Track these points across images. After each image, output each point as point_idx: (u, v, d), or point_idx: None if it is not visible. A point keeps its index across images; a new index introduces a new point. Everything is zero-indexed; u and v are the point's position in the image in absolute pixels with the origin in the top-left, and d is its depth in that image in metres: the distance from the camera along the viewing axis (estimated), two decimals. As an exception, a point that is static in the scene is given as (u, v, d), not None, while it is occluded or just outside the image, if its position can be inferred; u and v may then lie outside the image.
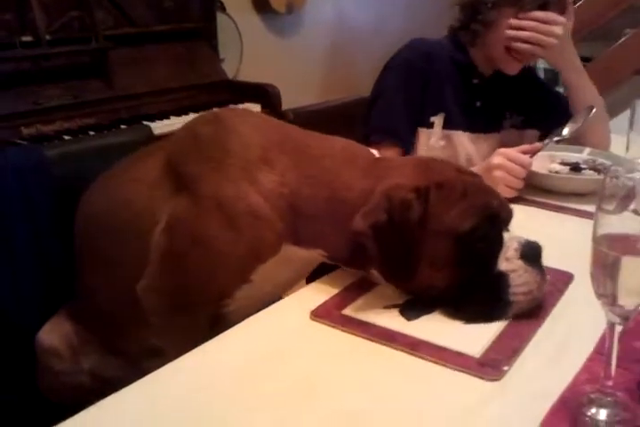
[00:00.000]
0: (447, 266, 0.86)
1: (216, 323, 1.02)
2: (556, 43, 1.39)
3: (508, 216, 0.92)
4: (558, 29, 1.39)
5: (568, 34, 1.44)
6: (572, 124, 1.38)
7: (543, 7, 1.40)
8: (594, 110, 1.38)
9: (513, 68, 1.50)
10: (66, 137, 1.85)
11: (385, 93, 1.50)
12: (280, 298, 0.97)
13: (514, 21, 1.39)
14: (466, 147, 1.53)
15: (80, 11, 2.03)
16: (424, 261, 0.86)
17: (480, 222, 0.86)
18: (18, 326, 1.22)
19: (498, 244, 0.87)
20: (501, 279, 0.85)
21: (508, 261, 0.86)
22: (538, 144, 1.35)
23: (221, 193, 0.94)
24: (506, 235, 0.89)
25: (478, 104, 1.55)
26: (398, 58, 1.53)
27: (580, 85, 1.51)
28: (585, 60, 2.72)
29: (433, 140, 1.50)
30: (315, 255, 0.97)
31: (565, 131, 1.36)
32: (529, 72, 1.59)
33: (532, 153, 1.30)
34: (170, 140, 1.08)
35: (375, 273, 0.92)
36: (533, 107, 1.59)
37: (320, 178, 0.94)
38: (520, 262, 0.86)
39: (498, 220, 0.89)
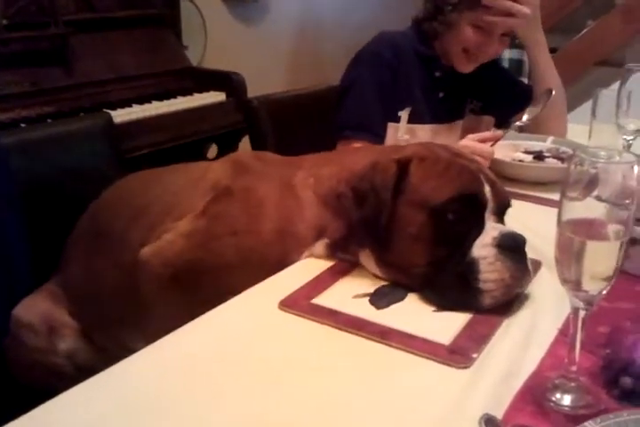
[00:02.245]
0: (423, 240, 0.88)
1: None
2: (529, 12, 1.40)
3: (500, 205, 0.92)
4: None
5: (537, 10, 1.46)
6: (532, 108, 1.39)
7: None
8: (553, 93, 1.40)
9: (467, 68, 1.54)
10: (24, 125, 1.80)
11: (356, 87, 1.51)
12: None
13: None
14: (427, 139, 1.54)
15: (38, -6, 1.97)
16: (402, 231, 0.89)
17: (454, 199, 0.87)
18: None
19: (476, 228, 0.88)
20: (472, 266, 0.85)
21: (483, 248, 0.86)
22: (499, 132, 1.37)
23: (269, 200, 0.99)
24: (489, 223, 0.89)
25: (441, 95, 1.57)
26: (368, 51, 1.54)
27: (546, 63, 1.54)
28: (549, 51, 2.76)
29: (399, 135, 1.51)
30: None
31: (525, 116, 1.38)
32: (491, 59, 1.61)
33: (494, 141, 1.31)
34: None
35: (366, 254, 0.93)
36: (493, 93, 1.62)
37: (334, 175, 0.99)
38: (494, 250, 0.85)
39: (478, 203, 0.89)
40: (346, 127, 1.47)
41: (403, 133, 1.52)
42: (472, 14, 1.43)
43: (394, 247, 0.90)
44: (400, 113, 1.51)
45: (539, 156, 1.39)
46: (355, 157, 1.04)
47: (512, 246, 0.86)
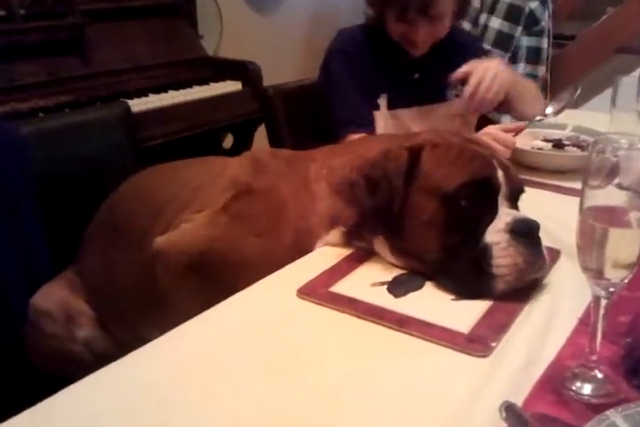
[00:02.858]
0: (436, 227, 0.88)
1: None
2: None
3: (513, 191, 0.91)
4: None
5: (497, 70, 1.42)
6: (556, 102, 1.38)
7: (421, 11, 1.44)
8: (579, 90, 1.39)
9: (415, 52, 1.56)
10: (42, 115, 1.81)
11: (334, 87, 1.56)
12: None
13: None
14: (411, 122, 1.56)
15: (55, -16, 1.97)
16: (414, 218, 0.89)
17: (467, 184, 0.87)
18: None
19: (489, 214, 0.87)
20: (485, 251, 0.85)
21: (495, 234, 0.86)
22: (521, 123, 1.36)
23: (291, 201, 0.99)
24: (503, 208, 0.88)
25: (416, 76, 1.59)
26: (332, 50, 1.60)
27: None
28: (568, 38, 2.72)
29: (382, 123, 1.54)
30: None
31: (549, 109, 1.37)
32: (450, 39, 1.60)
33: (516, 132, 1.30)
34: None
35: (380, 241, 0.93)
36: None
37: (346, 164, 0.98)
38: (507, 236, 0.85)
39: (491, 188, 0.89)
40: (342, 126, 1.50)
41: (387, 120, 1.54)
42: (391, 9, 1.48)
43: (407, 234, 0.90)
44: (378, 101, 1.55)
45: (558, 144, 1.37)
46: (366, 146, 1.05)
47: (525, 232, 0.85)
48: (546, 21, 2.36)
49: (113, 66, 2.17)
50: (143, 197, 1.17)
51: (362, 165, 0.94)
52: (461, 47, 1.64)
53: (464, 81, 1.42)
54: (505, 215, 0.87)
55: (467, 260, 0.86)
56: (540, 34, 2.32)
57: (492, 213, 0.87)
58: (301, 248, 0.98)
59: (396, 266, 0.93)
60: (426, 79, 1.59)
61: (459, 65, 1.50)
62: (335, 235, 0.98)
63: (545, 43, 2.34)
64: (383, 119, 1.55)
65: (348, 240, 0.98)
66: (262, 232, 0.98)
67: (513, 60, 2.30)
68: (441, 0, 1.44)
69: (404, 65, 1.58)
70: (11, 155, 1.27)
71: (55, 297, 1.18)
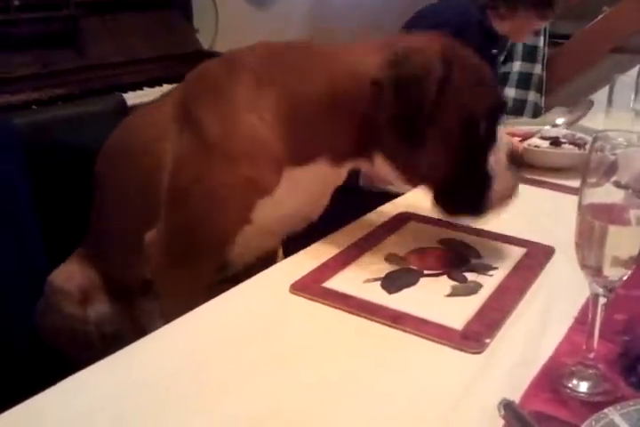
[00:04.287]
0: (452, 144, 0.88)
1: (218, 271, 1.03)
2: None
3: (504, 114, 0.98)
4: None
5: None
6: (569, 115, 1.39)
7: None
8: (593, 105, 1.41)
9: (518, 40, 1.67)
10: (35, 107, 1.79)
11: None
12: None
13: None
14: None
15: (49, -24, 1.96)
16: (432, 131, 0.86)
17: (492, 108, 0.90)
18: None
19: (493, 138, 0.92)
20: (488, 174, 0.90)
21: (496, 156, 0.91)
22: (530, 129, 1.36)
23: (218, 127, 0.92)
24: (500, 134, 0.93)
25: (494, 52, 1.66)
26: (434, 11, 1.60)
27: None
28: (564, 37, 2.72)
29: None
30: (318, 172, 0.95)
31: (560, 120, 1.38)
32: None
33: (524, 138, 1.30)
34: (183, 83, 1.06)
35: (379, 160, 0.92)
36: None
37: (319, 74, 0.92)
38: (504, 159, 0.91)
39: (499, 114, 0.93)
40: None
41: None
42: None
43: (420, 148, 0.88)
44: None
45: (555, 141, 1.37)
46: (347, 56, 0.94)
47: (517, 159, 0.92)
48: (542, 20, 2.36)
49: (107, 59, 2.15)
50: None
51: (379, 63, 0.87)
52: None
53: None
54: (500, 139, 0.92)
55: (471, 180, 0.90)
56: (536, 32, 2.32)
57: (494, 138, 0.91)
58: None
59: (391, 182, 0.97)
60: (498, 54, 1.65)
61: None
62: (322, 164, 0.94)
63: (541, 41, 2.34)
64: None
65: (337, 164, 0.95)
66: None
67: (509, 59, 2.30)
68: None
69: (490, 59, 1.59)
70: (4, 147, 1.25)
71: (71, 275, 1.17)
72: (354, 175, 1.55)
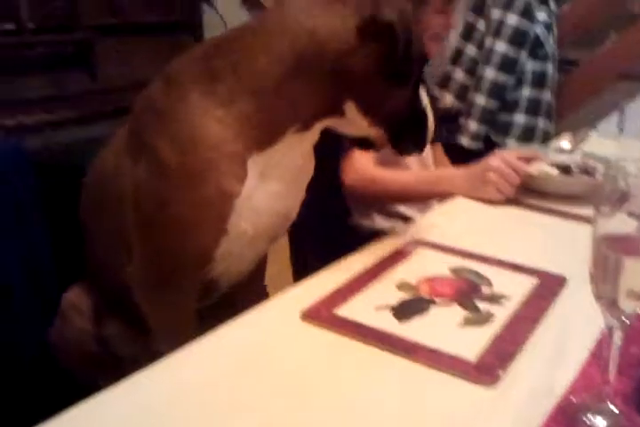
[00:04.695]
0: (412, 83, 0.96)
1: (206, 293, 1.02)
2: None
3: None
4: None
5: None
6: (574, 138, 1.39)
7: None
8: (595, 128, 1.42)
9: (433, 52, 1.53)
10: (48, 129, 1.81)
11: None
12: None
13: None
14: None
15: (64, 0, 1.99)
16: (407, 71, 0.93)
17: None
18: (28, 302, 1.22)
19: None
20: (425, 115, 1.01)
21: (425, 97, 1.02)
22: (537, 152, 1.36)
23: (171, 150, 0.89)
24: None
25: None
26: None
27: None
28: (572, 63, 2.73)
29: None
30: (288, 152, 0.93)
31: (566, 144, 1.38)
32: None
33: (528, 161, 1.30)
34: (131, 113, 1.04)
35: (350, 109, 0.92)
36: None
37: (268, 46, 0.89)
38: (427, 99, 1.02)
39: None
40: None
41: None
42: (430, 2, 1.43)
43: (396, 87, 0.93)
44: None
45: (566, 169, 1.37)
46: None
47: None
48: (551, 46, 2.37)
49: (119, 81, 2.17)
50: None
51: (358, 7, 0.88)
52: None
53: None
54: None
55: (417, 117, 1.01)
56: (545, 58, 2.32)
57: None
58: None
59: (363, 131, 0.98)
60: None
61: None
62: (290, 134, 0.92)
63: (550, 67, 2.34)
64: None
65: (308, 128, 0.93)
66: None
67: (518, 84, 2.30)
68: None
69: None
70: (16, 169, 1.26)
71: (85, 292, 1.16)
72: (346, 214, 1.55)
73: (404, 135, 1.00)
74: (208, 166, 0.88)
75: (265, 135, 0.90)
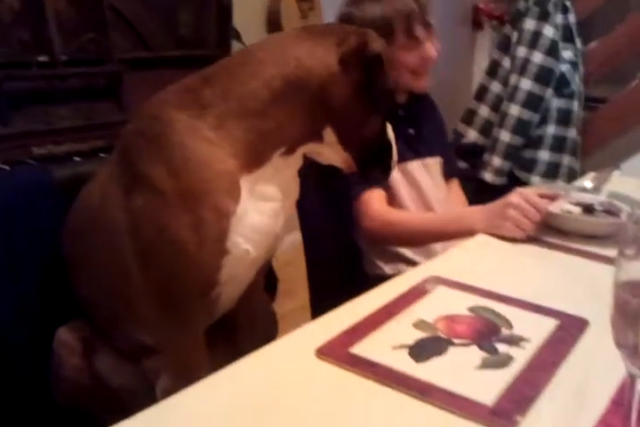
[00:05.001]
0: (384, 113, 1.05)
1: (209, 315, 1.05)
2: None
3: None
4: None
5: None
6: (597, 178, 1.39)
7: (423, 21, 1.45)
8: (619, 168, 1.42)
9: (424, 84, 1.55)
10: (77, 158, 1.84)
11: None
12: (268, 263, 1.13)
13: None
14: (421, 174, 1.55)
15: (97, 33, 2.04)
16: (383, 101, 1.01)
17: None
18: (19, 344, 1.20)
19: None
20: (390, 143, 1.10)
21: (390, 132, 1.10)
22: (558, 191, 1.36)
23: (166, 175, 0.91)
24: None
25: (412, 131, 1.58)
26: None
27: None
28: (598, 101, 2.73)
29: (395, 174, 1.49)
30: (275, 172, 0.98)
31: (589, 184, 1.38)
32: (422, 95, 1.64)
33: (551, 199, 1.29)
34: (116, 148, 1.07)
35: (328, 135, 0.99)
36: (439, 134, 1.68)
37: (255, 75, 0.94)
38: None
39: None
40: (357, 185, 1.42)
41: (397, 172, 1.50)
42: (397, 36, 1.44)
43: (371, 115, 1.01)
44: None
45: (588, 208, 1.35)
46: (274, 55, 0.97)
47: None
48: (577, 84, 2.37)
49: (148, 113, 2.21)
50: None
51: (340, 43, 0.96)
52: (431, 102, 1.69)
53: None
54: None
55: (384, 145, 1.09)
56: (570, 96, 2.33)
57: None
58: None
59: (340, 158, 1.05)
60: (419, 134, 1.60)
61: (437, 120, 1.64)
62: (277, 157, 0.97)
63: (576, 105, 2.34)
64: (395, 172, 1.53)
65: (291, 152, 0.99)
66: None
67: (543, 122, 2.30)
68: (427, 7, 1.47)
69: (401, 120, 1.56)
70: (43, 198, 1.28)
71: (76, 328, 1.17)
72: (358, 259, 1.55)
73: (371, 163, 1.07)
74: (203, 186, 0.91)
75: (253, 157, 0.94)
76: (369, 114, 1.00)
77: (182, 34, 2.43)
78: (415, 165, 1.55)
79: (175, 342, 1.02)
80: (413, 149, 1.56)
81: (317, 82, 0.94)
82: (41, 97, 1.90)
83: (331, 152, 1.03)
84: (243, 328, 1.24)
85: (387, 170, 1.11)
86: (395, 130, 1.50)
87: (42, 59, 1.86)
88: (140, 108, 1.03)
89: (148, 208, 0.93)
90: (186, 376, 0.99)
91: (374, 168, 1.10)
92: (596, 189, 1.37)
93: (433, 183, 1.58)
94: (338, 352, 0.83)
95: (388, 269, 1.51)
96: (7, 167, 1.54)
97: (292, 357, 0.84)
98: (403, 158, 1.50)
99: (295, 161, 1.02)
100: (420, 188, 1.55)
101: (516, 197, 1.24)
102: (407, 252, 1.51)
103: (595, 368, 0.82)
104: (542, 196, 1.28)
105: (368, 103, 0.98)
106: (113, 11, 2.06)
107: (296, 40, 0.98)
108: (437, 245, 1.50)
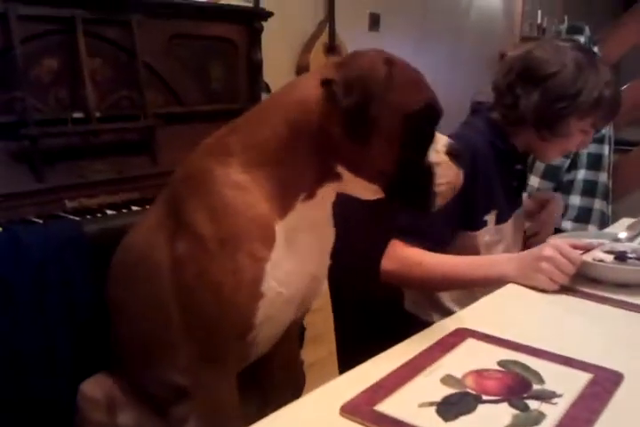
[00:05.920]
0: (394, 142, 0.94)
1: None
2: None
3: (441, 115, 1.00)
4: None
5: None
6: (630, 230, 1.39)
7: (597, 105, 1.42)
8: None
9: (549, 160, 1.62)
10: (109, 211, 1.88)
11: None
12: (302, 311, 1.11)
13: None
14: (510, 233, 1.53)
15: (130, 90, 2.10)
16: (377, 131, 0.93)
17: (429, 106, 0.96)
18: (51, 398, 1.23)
19: (430, 136, 0.98)
20: (429, 170, 0.97)
21: (437, 155, 0.98)
22: (592, 242, 1.34)
23: (209, 224, 0.96)
24: (436, 132, 0.99)
25: (515, 184, 1.56)
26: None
27: None
28: (630, 144, 2.70)
29: (487, 238, 1.46)
30: (304, 216, 0.99)
31: (623, 235, 1.37)
32: None
33: (584, 250, 1.27)
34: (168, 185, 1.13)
35: (344, 172, 0.97)
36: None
37: (269, 121, 0.98)
38: (446, 158, 0.98)
39: (435, 113, 0.98)
40: (406, 232, 1.35)
41: (491, 236, 1.46)
42: (581, 123, 1.43)
43: (368, 148, 0.94)
44: (486, 217, 1.44)
45: (620, 256, 1.32)
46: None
47: (458, 153, 0.99)
48: (607, 128, 2.36)
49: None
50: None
51: (330, 72, 0.94)
52: None
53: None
54: (440, 139, 0.99)
55: (413, 176, 0.97)
56: (601, 141, 2.31)
57: (432, 135, 0.98)
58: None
59: (354, 187, 1.01)
60: (519, 185, 1.60)
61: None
62: (299, 204, 0.99)
63: (606, 149, 2.33)
64: (488, 235, 1.46)
65: (312, 196, 0.99)
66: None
67: (573, 167, 2.29)
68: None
69: (512, 173, 1.54)
70: (74, 254, 1.30)
71: (101, 384, 1.19)
72: (400, 298, 1.53)
73: (404, 193, 0.99)
74: (243, 234, 0.95)
75: (279, 203, 0.97)
76: (371, 144, 0.94)
77: (214, 88, 2.50)
78: (509, 225, 1.53)
79: (209, 384, 1.03)
80: (511, 205, 1.55)
81: (317, 120, 0.95)
82: (76, 152, 1.96)
83: (357, 187, 1.00)
84: (274, 377, 1.25)
85: (420, 200, 1.00)
86: (507, 187, 1.51)
87: (77, 115, 1.92)
88: (186, 158, 1.10)
89: (190, 252, 0.98)
90: (215, 421, 0.99)
91: (408, 198, 1.01)
92: (630, 240, 1.35)
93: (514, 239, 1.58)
94: (363, 410, 0.82)
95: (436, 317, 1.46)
96: (40, 221, 1.57)
97: (315, 414, 0.82)
98: (499, 220, 1.48)
99: (320, 204, 1.02)
100: (508, 247, 1.53)
101: (549, 249, 1.21)
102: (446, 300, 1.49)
103: (630, 425, 0.78)
104: (575, 247, 1.25)
105: (363, 133, 0.93)
106: (147, 68, 2.13)
107: (300, 82, 1.01)
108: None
